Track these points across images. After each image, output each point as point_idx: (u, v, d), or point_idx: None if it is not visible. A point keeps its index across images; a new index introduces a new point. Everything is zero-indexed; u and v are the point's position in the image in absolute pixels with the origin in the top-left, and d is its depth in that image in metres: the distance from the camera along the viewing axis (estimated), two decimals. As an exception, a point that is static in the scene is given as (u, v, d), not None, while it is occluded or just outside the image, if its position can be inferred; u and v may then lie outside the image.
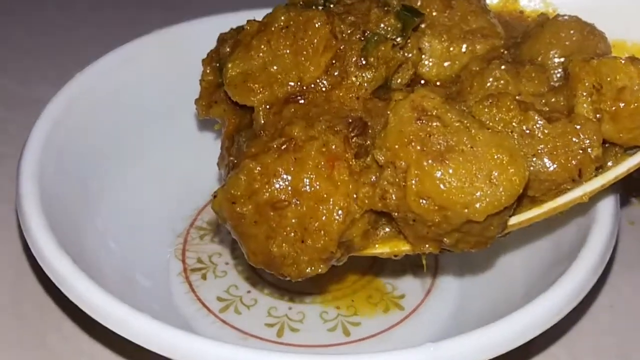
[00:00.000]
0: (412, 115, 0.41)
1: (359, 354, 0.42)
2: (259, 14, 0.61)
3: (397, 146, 0.41)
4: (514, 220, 0.45)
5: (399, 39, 0.46)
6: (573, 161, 0.43)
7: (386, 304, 0.54)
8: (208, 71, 0.51)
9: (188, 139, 0.62)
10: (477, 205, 0.40)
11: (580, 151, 0.43)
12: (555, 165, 0.43)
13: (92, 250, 0.51)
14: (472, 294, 0.54)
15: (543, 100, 0.45)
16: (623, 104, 0.44)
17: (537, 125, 0.43)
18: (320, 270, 0.44)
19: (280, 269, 0.44)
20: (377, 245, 0.45)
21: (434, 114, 0.41)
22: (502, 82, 0.45)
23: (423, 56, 0.48)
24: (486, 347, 0.41)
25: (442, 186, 0.41)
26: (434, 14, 0.49)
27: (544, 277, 0.48)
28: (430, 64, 0.48)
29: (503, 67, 0.46)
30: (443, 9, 0.49)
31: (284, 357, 0.41)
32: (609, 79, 0.44)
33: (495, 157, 0.41)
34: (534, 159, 0.43)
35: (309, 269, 0.43)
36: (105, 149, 0.57)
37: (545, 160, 0.43)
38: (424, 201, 0.41)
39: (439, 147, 0.41)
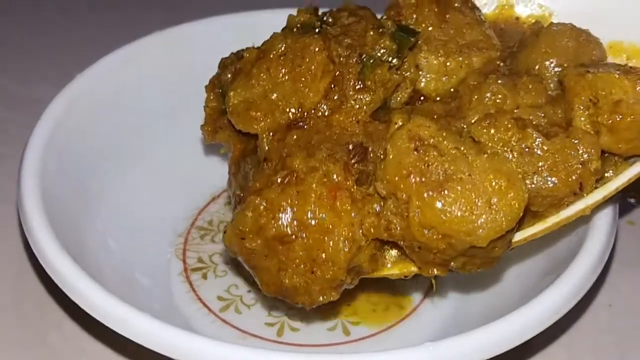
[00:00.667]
0: (409, 146, 0.42)
1: (358, 353, 0.43)
2: (257, 16, 0.62)
3: (397, 178, 0.42)
4: (519, 236, 0.45)
5: (394, 61, 0.46)
6: (573, 176, 0.44)
7: (386, 304, 0.54)
8: (211, 97, 0.51)
9: (188, 140, 0.62)
10: (480, 232, 0.41)
11: (580, 165, 0.44)
12: (556, 181, 0.44)
13: (92, 250, 0.51)
14: (471, 294, 0.54)
15: (541, 113, 0.45)
16: (620, 117, 0.44)
17: (536, 143, 0.43)
18: (332, 297, 0.45)
19: (293, 299, 0.45)
20: (388, 265, 0.46)
21: (430, 142, 0.42)
22: (499, 96, 0.45)
23: (420, 72, 0.48)
24: (485, 347, 0.41)
25: (443, 216, 0.41)
26: (430, 29, 0.49)
27: (543, 277, 0.48)
28: (428, 79, 0.48)
29: (500, 81, 0.46)
30: (438, 23, 0.49)
31: (284, 357, 0.41)
32: (604, 93, 0.44)
33: (493, 183, 0.41)
34: (535, 176, 0.44)
35: (321, 297, 0.44)
36: (105, 150, 0.57)
37: (546, 176, 0.44)
38: (428, 231, 0.42)
39: (437, 176, 0.41)
